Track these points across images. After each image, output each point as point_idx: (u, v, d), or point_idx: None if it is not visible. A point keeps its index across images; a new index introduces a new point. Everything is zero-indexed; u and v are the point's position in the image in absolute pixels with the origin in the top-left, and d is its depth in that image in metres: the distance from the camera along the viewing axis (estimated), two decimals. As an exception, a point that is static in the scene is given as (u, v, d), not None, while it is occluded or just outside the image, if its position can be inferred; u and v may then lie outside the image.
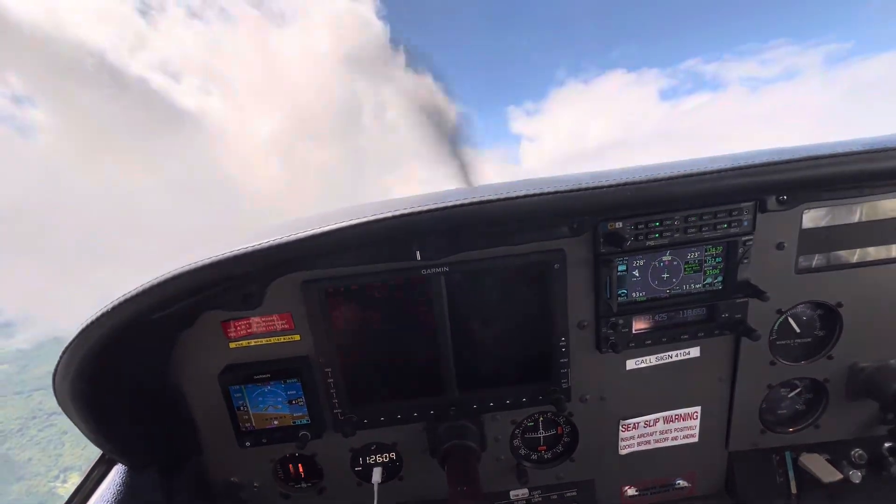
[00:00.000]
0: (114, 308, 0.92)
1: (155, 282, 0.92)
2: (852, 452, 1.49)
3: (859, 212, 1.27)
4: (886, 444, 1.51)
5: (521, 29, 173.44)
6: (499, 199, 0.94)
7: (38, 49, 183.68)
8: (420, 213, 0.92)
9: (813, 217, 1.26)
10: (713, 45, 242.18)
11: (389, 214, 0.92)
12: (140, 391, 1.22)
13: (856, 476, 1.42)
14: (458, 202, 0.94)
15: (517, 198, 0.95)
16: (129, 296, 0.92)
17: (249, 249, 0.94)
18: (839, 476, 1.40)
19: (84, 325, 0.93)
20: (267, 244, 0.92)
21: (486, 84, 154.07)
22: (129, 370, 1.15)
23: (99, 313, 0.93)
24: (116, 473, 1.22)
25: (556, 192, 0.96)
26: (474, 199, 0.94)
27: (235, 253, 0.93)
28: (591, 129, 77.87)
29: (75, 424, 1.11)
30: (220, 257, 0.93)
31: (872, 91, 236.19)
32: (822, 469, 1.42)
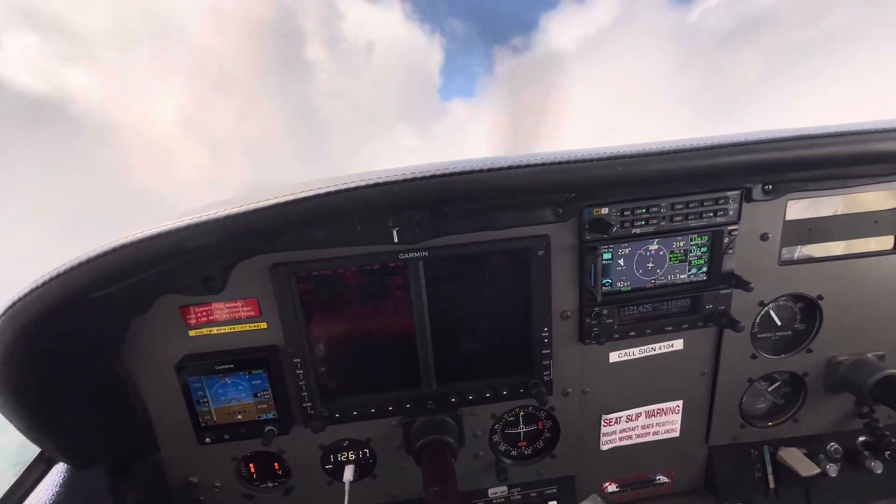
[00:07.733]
0: (41, 286, 0.81)
1: (89, 255, 0.81)
2: (828, 446, 1.49)
3: (842, 204, 1.27)
4: (861, 438, 1.52)
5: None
6: (483, 170, 0.88)
7: None
8: (396, 182, 0.86)
9: (797, 208, 1.25)
10: None
11: (363, 183, 0.85)
12: (86, 382, 1.10)
13: (832, 469, 1.42)
14: (440, 172, 0.88)
15: (501, 169, 0.89)
16: (59, 271, 0.81)
17: (200, 219, 0.84)
18: (817, 470, 1.39)
19: (7, 306, 0.82)
20: (223, 214, 0.83)
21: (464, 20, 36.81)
22: (72, 358, 1.04)
23: (24, 292, 0.82)
24: (57, 473, 1.11)
25: (545, 164, 0.90)
26: (457, 170, 0.88)
27: (182, 224, 0.83)
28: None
29: (7, 419, 0.99)
30: (166, 228, 0.83)
31: None
32: (800, 463, 1.42)
